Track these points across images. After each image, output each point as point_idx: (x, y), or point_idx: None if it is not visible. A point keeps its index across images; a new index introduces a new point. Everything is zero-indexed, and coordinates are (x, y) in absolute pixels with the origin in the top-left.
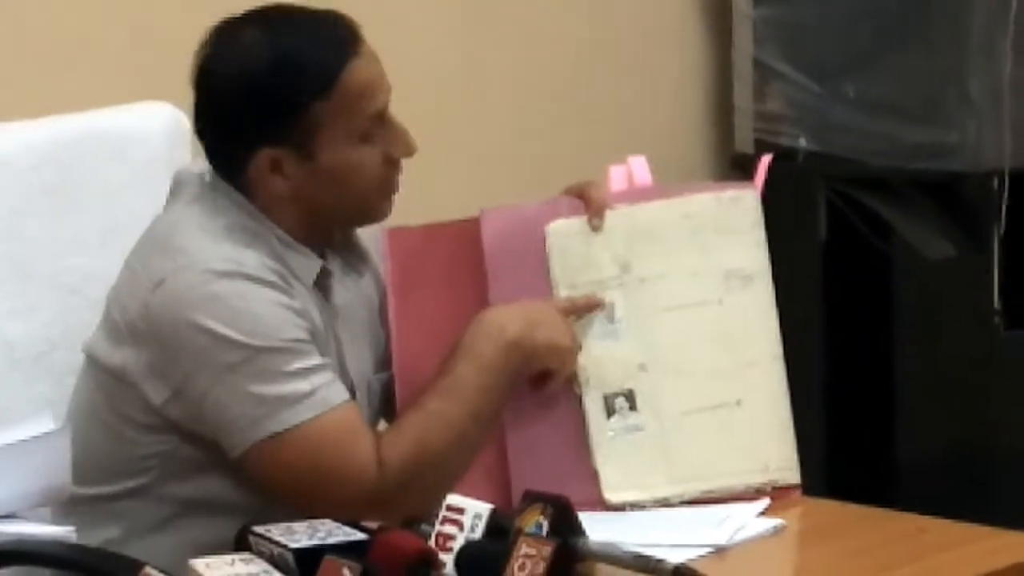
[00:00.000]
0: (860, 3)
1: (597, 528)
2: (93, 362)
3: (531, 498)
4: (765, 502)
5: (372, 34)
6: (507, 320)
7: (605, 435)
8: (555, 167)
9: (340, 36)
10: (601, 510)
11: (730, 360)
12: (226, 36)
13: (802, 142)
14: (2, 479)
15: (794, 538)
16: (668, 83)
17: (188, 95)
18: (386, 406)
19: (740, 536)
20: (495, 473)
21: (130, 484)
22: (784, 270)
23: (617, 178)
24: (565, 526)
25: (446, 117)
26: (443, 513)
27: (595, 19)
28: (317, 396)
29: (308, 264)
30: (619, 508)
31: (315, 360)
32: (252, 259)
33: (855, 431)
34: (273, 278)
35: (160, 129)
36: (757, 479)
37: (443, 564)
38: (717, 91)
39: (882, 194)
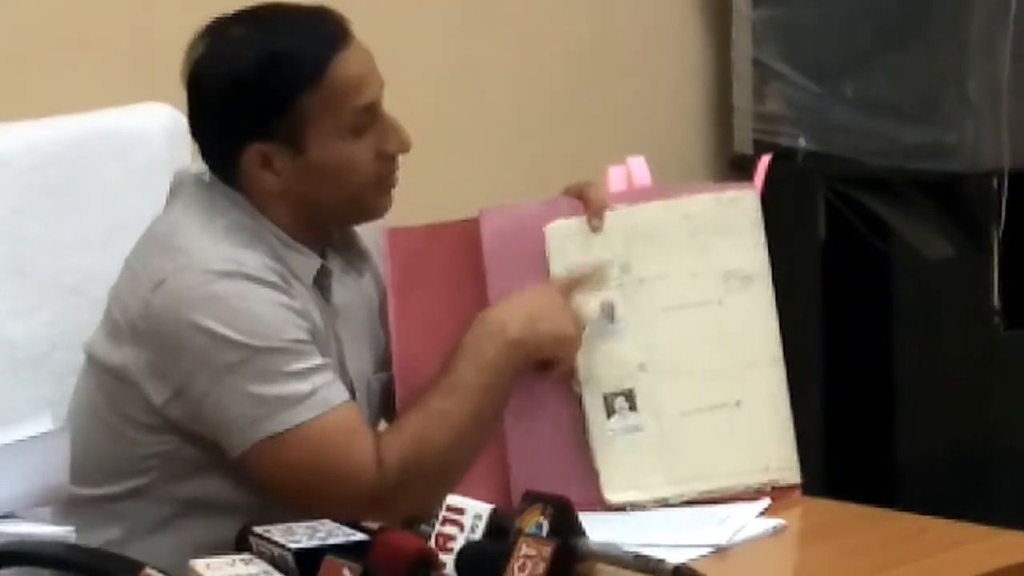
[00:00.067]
0: (859, 3)
1: (597, 528)
2: (94, 362)
3: (531, 498)
4: (765, 502)
5: (372, 33)
6: (509, 318)
7: (605, 435)
8: (554, 167)
9: (328, 31)
10: (601, 510)
11: (730, 360)
12: (214, 35)
13: (801, 142)
14: (0, 479)
15: (794, 538)
16: (667, 83)
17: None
18: (386, 406)
19: (740, 536)
20: (495, 473)
21: (130, 484)
22: (783, 270)
23: (616, 178)
24: (565, 526)
25: (445, 117)
26: (443, 513)
27: (594, 19)
28: (317, 396)
29: (307, 263)
30: (619, 508)
31: (315, 360)
32: (252, 259)
33: (855, 431)
34: (273, 278)
35: (160, 130)
36: (757, 479)
37: (443, 564)
38: (716, 91)
39: (881, 194)
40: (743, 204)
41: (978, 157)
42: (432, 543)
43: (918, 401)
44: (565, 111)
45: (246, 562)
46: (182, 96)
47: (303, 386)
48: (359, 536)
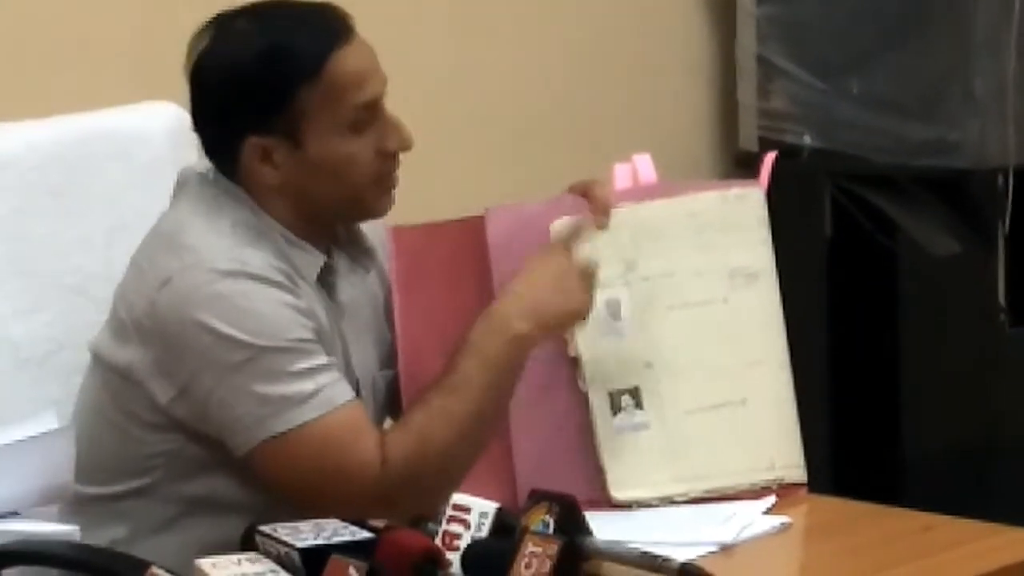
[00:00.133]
0: (864, 0)
1: (603, 526)
2: (99, 360)
3: (537, 496)
4: (771, 500)
5: (375, 33)
6: (513, 313)
7: (611, 433)
8: (559, 165)
9: (329, 25)
10: (607, 508)
11: (735, 358)
12: (218, 28)
13: (807, 139)
14: (4, 477)
15: (800, 535)
16: (672, 81)
17: None
18: (391, 403)
19: (746, 534)
20: (501, 471)
21: (136, 483)
22: (789, 267)
23: (622, 176)
24: (571, 524)
25: (449, 115)
26: (449, 512)
27: (599, 17)
28: (322, 396)
29: (311, 260)
30: (625, 506)
31: (320, 360)
32: (257, 259)
33: (860, 428)
34: (279, 278)
35: (164, 129)
36: (763, 477)
37: (449, 563)
38: (721, 89)
39: (887, 191)
40: (749, 201)
41: (984, 154)
42: (438, 541)
43: (924, 398)
44: (570, 109)
45: (252, 561)
46: (183, 96)
47: (308, 385)
48: (365, 534)
